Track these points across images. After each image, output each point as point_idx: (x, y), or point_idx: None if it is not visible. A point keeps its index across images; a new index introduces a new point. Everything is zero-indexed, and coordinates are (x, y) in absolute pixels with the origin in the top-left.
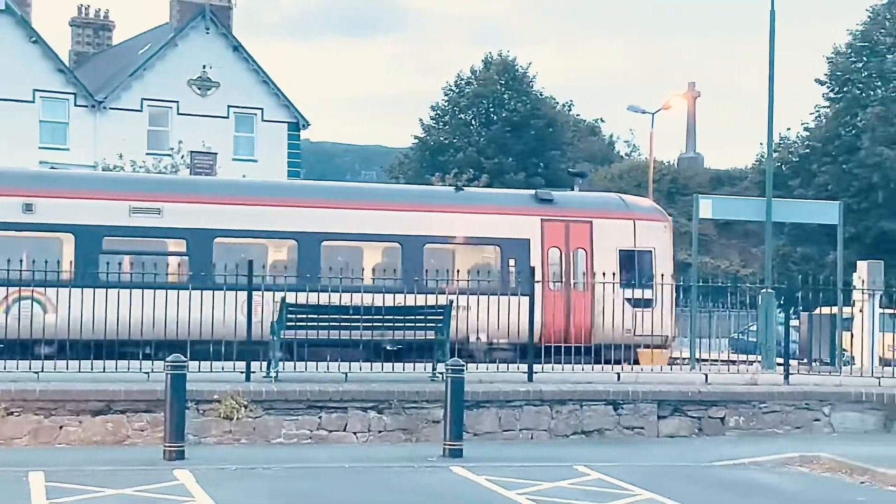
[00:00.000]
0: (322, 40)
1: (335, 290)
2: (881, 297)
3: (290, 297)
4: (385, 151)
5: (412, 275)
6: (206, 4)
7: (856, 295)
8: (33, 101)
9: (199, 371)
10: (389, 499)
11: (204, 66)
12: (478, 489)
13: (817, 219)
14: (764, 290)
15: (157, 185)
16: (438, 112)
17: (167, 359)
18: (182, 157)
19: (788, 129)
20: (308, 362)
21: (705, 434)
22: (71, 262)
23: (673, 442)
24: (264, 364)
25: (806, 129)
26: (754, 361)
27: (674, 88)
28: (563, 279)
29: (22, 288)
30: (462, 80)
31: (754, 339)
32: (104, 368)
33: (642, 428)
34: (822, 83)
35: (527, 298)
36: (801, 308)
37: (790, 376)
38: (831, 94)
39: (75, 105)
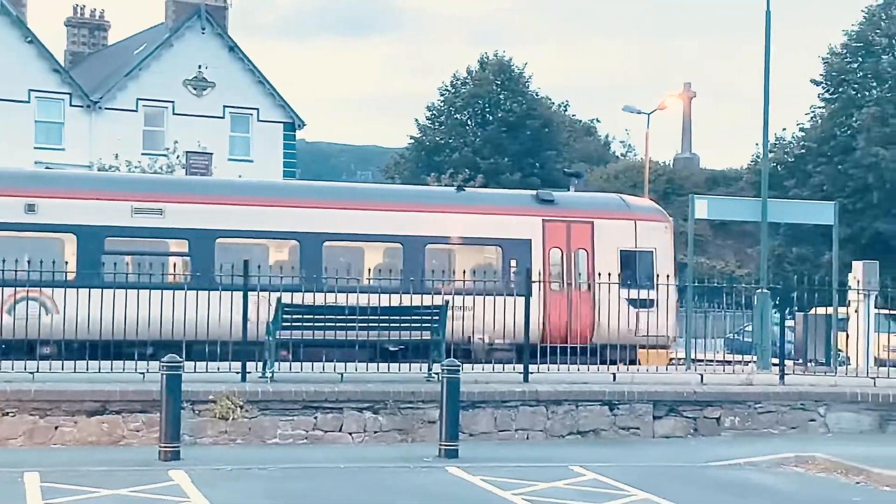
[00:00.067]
0: (318, 40)
1: (332, 290)
2: (876, 297)
3: (295, 298)
4: (381, 151)
5: (414, 275)
6: (202, 4)
7: (851, 295)
8: (29, 102)
9: (195, 371)
10: (385, 499)
11: (199, 67)
12: (473, 490)
13: (813, 219)
14: (759, 291)
15: (159, 185)
16: (434, 112)
17: (162, 359)
18: (178, 158)
19: (784, 129)
20: (304, 362)
21: (701, 434)
22: (67, 262)
23: (668, 442)
24: (260, 364)
25: (801, 129)
26: (750, 362)
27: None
28: (565, 280)
29: (24, 289)
30: (458, 80)
31: (750, 340)
32: (99, 369)
33: (638, 428)
34: (817, 83)
35: (529, 298)
36: (796, 308)
37: (785, 376)
38: (827, 95)
39: (71, 105)
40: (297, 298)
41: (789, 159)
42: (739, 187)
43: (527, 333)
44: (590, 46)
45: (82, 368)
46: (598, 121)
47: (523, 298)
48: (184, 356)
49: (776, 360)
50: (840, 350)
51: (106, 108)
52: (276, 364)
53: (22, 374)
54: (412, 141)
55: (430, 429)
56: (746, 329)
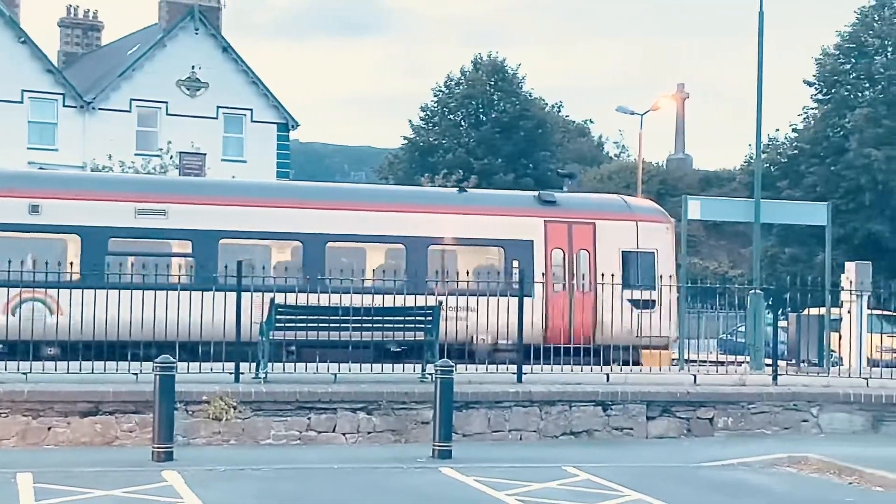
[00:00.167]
0: (311, 41)
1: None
2: (869, 298)
3: (298, 299)
4: (374, 152)
5: (417, 276)
6: (196, 5)
7: (844, 296)
8: (22, 102)
9: (188, 372)
10: (378, 500)
11: (193, 67)
12: (467, 490)
13: (806, 220)
14: (752, 291)
15: (163, 186)
16: (428, 113)
17: (156, 359)
18: (171, 158)
19: (777, 130)
20: (297, 363)
21: (694, 435)
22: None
23: (662, 443)
24: (253, 365)
25: (794, 130)
26: (743, 362)
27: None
28: (566, 280)
29: (27, 289)
30: (451, 80)
31: (743, 340)
32: (92, 369)
33: (631, 429)
34: (810, 84)
35: (531, 299)
36: (789, 309)
37: (778, 377)
38: (820, 96)
39: (64, 105)
40: (302, 299)
41: (782, 160)
42: (732, 188)
43: (520, 334)
44: (583, 47)
45: (75, 369)
46: (591, 121)
47: (526, 299)
48: (177, 356)
49: (769, 361)
50: (833, 351)
51: (99, 109)
52: (270, 365)
53: (15, 375)
54: (406, 141)
55: (423, 429)
56: (740, 330)
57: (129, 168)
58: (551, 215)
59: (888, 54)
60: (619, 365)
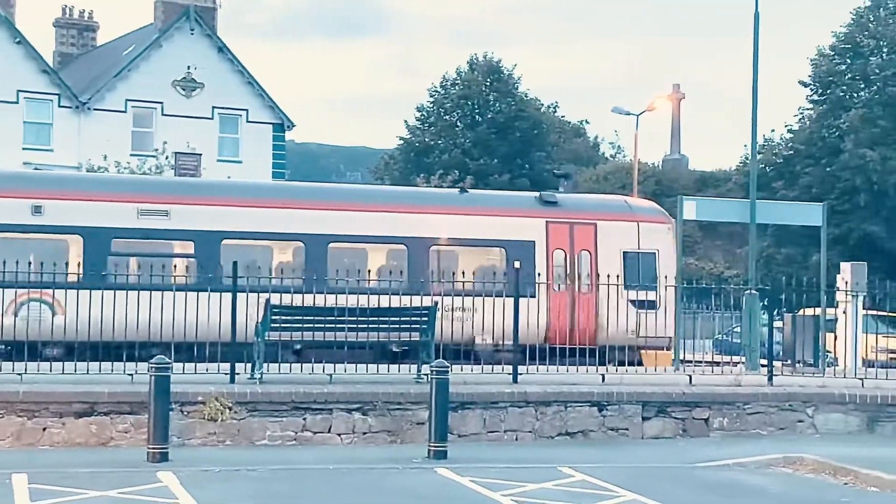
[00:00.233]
0: (307, 42)
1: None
2: (864, 298)
3: (298, 299)
4: (370, 153)
5: (419, 277)
6: (191, 5)
7: (839, 296)
8: (17, 102)
9: (184, 373)
10: (374, 500)
11: (188, 67)
12: (462, 490)
13: (801, 220)
14: (748, 292)
15: (165, 187)
16: (423, 113)
17: (151, 360)
18: (166, 158)
19: (772, 130)
20: (293, 363)
21: (689, 435)
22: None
23: (657, 443)
24: (249, 365)
25: (790, 130)
26: (738, 363)
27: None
28: (568, 281)
29: (31, 290)
30: (447, 81)
31: (738, 341)
32: (87, 370)
33: (626, 429)
34: (805, 85)
35: (532, 300)
36: (784, 309)
37: (774, 377)
38: (815, 97)
39: (59, 106)
40: (305, 299)
41: (778, 161)
42: (728, 188)
43: (516, 334)
44: (579, 48)
45: (70, 370)
46: (587, 122)
47: (528, 300)
48: (172, 357)
49: (765, 362)
50: (828, 351)
51: (95, 109)
52: (265, 365)
53: (10, 376)
54: (401, 142)
55: (419, 430)
56: (735, 330)
57: (125, 169)
58: (553, 216)
59: (883, 55)
60: (621, 366)
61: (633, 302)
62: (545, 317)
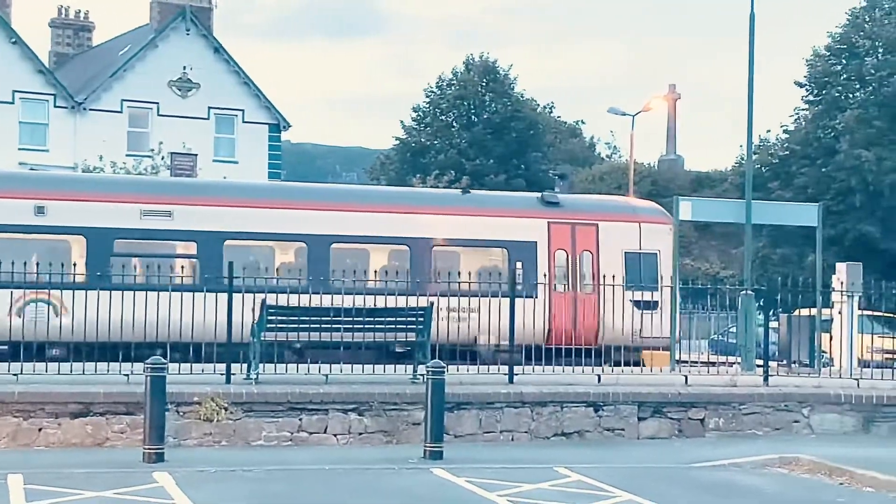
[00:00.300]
0: (303, 42)
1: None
2: (860, 298)
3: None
4: (366, 153)
5: (422, 277)
6: (187, 5)
7: (835, 297)
8: (12, 102)
9: (180, 373)
10: (370, 501)
11: (184, 68)
12: (458, 491)
13: (797, 221)
14: (744, 292)
15: (168, 188)
16: (419, 114)
17: (147, 360)
18: (162, 159)
19: (768, 131)
20: (288, 364)
21: (685, 435)
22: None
23: (653, 443)
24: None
25: (785, 131)
26: (734, 363)
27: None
28: (570, 281)
29: (35, 291)
30: (443, 81)
31: (734, 341)
32: (83, 370)
33: (622, 430)
34: (801, 86)
35: (533, 300)
36: (780, 310)
37: (769, 378)
38: (810, 97)
39: (55, 106)
40: (304, 300)
41: (773, 161)
42: (724, 189)
43: (512, 335)
44: (575, 49)
45: (66, 370)
46: (583, 122)
47: (529, 300)
48: (168, 357)
49: (760, 362)
50: (824, 351)
51: (90, 109)
52: (262, 365)
53: (6, 376)
54: (397, 142)
55: (414, 430)
56: (731, 330)
57: (121, 169)
58: (554, 216)
59: (879, 55)
60: (624, 366)
61: (634, 302)
62: (547, 317)
